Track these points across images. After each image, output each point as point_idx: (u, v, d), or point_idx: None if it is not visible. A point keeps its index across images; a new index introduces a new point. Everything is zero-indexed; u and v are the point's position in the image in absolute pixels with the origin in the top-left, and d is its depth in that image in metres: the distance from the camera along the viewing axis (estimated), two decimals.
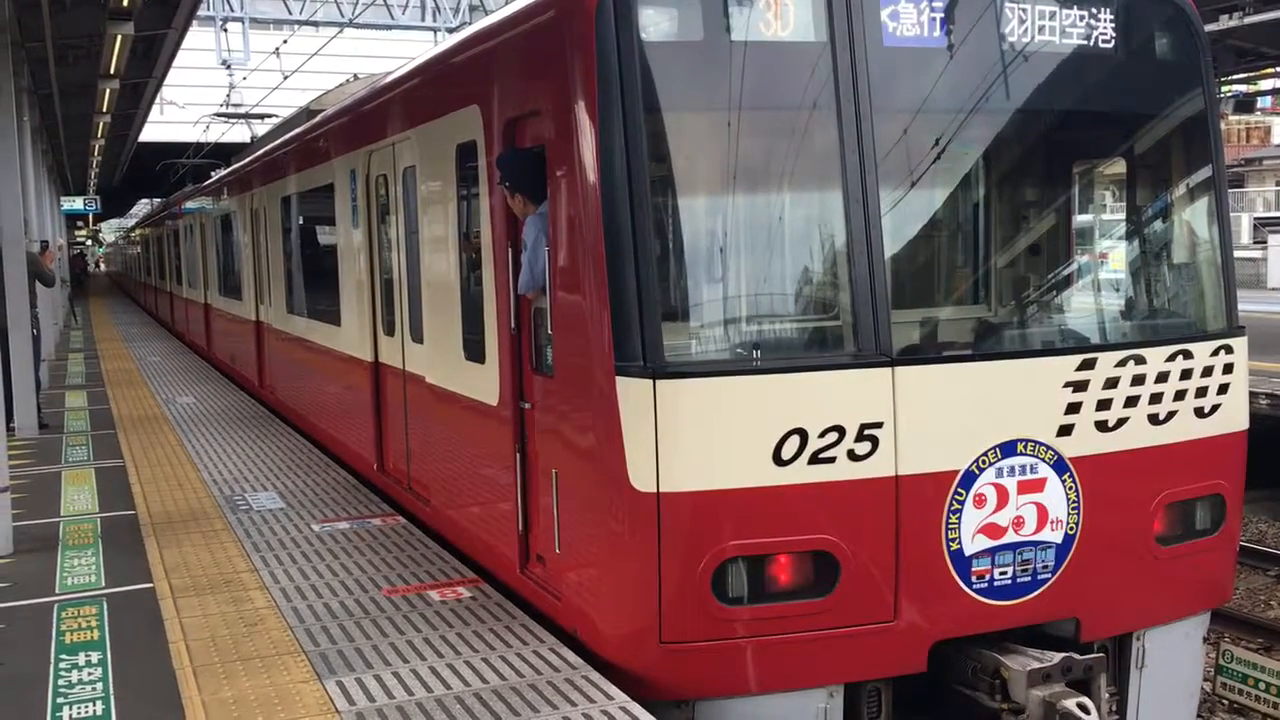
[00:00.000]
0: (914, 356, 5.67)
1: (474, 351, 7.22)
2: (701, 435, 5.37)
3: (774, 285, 5.92)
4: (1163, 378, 6.08)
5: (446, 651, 6.11)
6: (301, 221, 12.90)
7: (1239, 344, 6.38)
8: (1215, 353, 6.27)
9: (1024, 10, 5.96)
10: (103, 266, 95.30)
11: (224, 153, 31.24)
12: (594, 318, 5.52)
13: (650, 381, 5.31)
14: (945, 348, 6.05)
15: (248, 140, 29.74)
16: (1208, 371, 6.23)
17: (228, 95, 40.28)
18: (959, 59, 5.88)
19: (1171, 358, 6.11)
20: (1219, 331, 6.38)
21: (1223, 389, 6.29)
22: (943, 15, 5.80)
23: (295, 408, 13.65)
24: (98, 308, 44.17)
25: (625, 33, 5.40)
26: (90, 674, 6.09)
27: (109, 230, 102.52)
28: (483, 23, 7.26)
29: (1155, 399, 6.07)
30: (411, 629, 6.48)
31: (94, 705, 5.69)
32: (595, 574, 5.86)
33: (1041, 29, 6.02)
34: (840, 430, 5.45)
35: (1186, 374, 6.16)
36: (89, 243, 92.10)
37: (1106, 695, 5.92)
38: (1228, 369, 6.30)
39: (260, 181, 15.11)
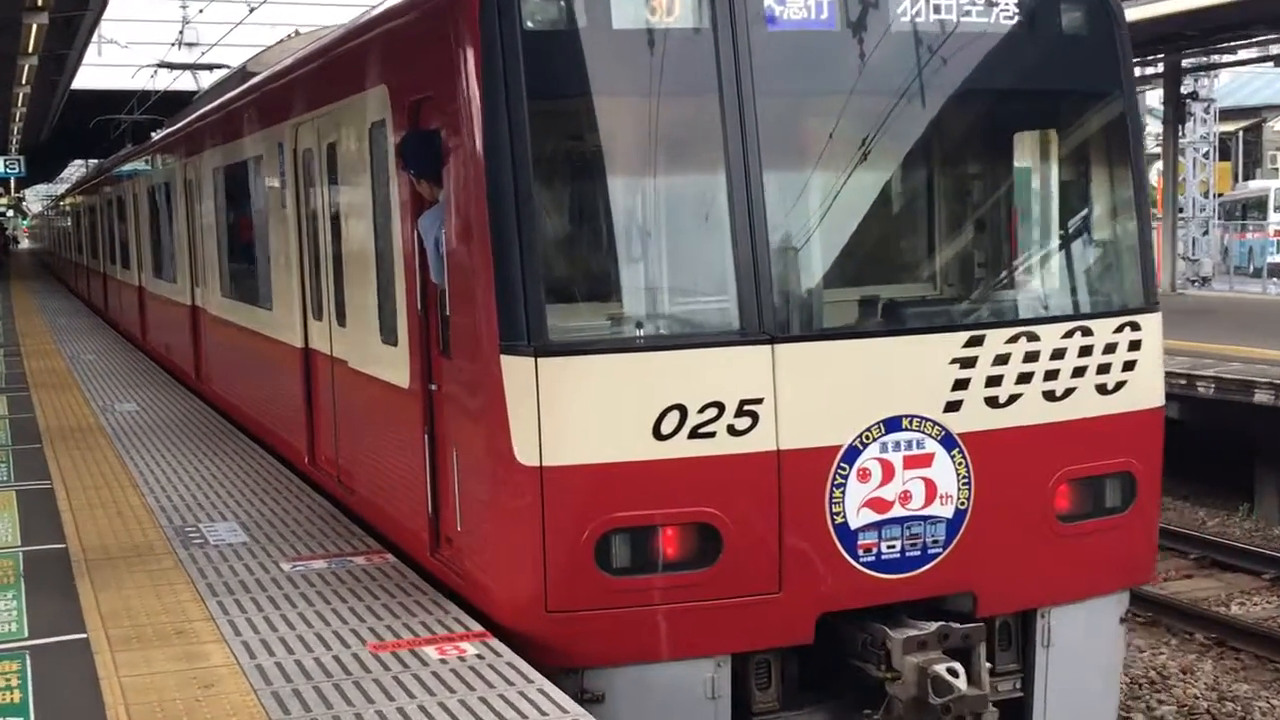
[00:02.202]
0: (793, 334, 7.22)
1: (389, 334, 8.86)
2: (583, 411, 6.99)
3: (658, 266, 7.50)
4: (1059, 355, 7.58)
5: None
6: (233, 195, 14.43)
7: (1148, 321, 7.85)
8: (1119, 329, 7.74)
9: None
10: (26, 242, 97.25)
11: (171, 105, 31.79)
12: (482, 298, 7.13)
13: (533, 359, 6.91)
14: (826, 326, 7.57)
15: (195, 92, 30.50)
16: (1110, 349, 7.71)
17: (180, 32, 40.62)
18: (847, 41, 7.40)
19: (1069, 334, 7.62)
20: (1123, 309, 7.87)
21: (1128, 366, 7.76)
22: None
23: (230, 399, 15.28)
24: (20, 293, 44.89)
25: (508, 19, 6.97)
26: None
27: (35, 198, 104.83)
28: (386, 2, 8.87)
29: (1051, 375, 7.56)
30: (404, 694, 6.53)
31: None
32: (489, 545, 7.49)
33: (936, 7, 7.52)
34: (720, 406, 7.03)
35: (1086, 351, 7.65)
36: (9, 213, 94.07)
37: (988, 665, 7.44)
38: (1134, 346, 7.77)
39: (192, 149, 16.72)
